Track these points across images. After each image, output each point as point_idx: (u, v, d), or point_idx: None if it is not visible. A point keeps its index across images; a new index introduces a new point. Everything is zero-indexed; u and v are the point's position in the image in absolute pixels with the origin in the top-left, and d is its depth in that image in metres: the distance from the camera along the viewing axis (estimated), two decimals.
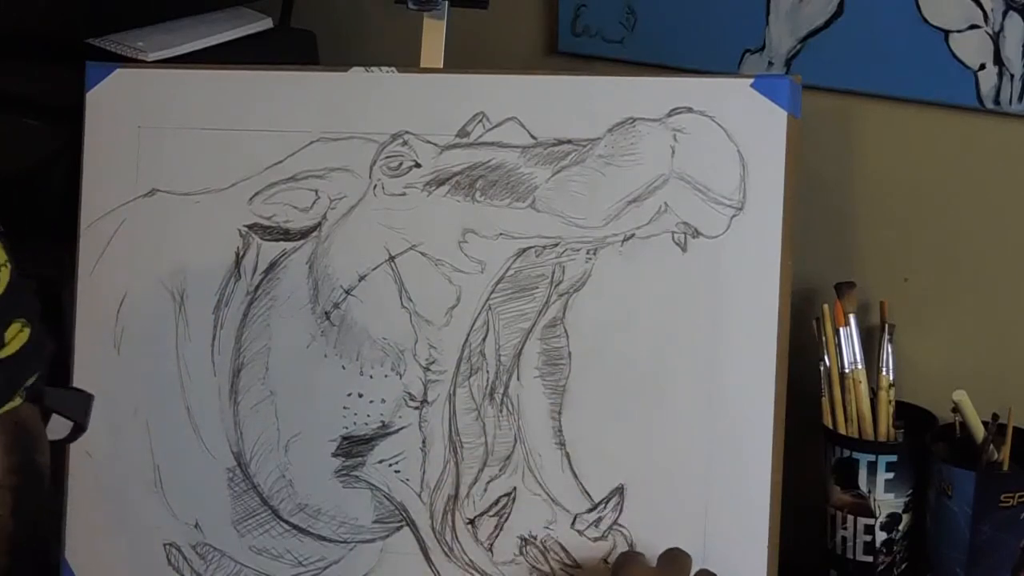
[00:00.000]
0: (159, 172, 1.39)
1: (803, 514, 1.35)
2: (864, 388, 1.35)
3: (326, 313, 1.34)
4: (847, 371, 1.35)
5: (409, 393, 1.33)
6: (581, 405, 1.29)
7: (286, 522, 1.35)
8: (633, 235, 1.29)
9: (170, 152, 1.38)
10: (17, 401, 0.90)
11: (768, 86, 1.27)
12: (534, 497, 1.30)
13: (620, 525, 1.28)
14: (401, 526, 1.33)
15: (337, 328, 1.34)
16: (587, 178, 1.30)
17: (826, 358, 1.36)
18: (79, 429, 0.97)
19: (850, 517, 1.34)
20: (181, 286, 1.38)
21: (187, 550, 1.37)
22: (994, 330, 1.38)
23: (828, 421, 1.36)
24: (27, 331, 0.90)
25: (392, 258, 1.33)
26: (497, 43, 1.59)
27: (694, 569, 1.20)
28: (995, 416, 1.29)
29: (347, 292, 1.34)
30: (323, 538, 1.34)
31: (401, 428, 1.33)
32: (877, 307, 1.39)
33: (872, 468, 1.32)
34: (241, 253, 1.36)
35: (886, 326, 1.36)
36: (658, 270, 1.28)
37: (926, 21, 1.34)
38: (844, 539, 1.35)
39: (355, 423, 1.34)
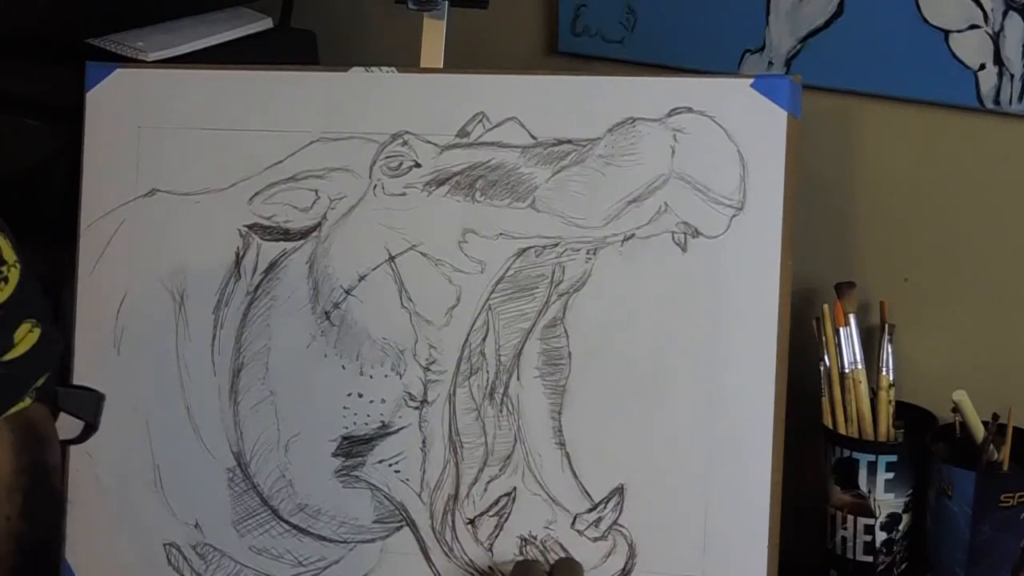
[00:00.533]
0: (159, 172, 1.39)
1: (803, 514, 1.35)
2: (864, 388, 1.35)
3: (326, 313, 1.34)
4: (847, 371, 1.35)
5: (409, 393, 1.33)
6: (581, 405, 1.29)
7: (286, 522, 1.35)
8: (633, 235, 1.29)
9: (170, 152, 1.38)
10: (27, 402, 0.90)
11: (768, 86, 1.27)
12: (534, 497, 1.30)
13: (620, 525, 1.28)
14: (401, 526, 1.33)
15: (337, 328, 1.34)
16: (587, 178, 1.30)
17: (826, 358, 1.36)
18: (90, 429, 0.97)
19: (850, 517, 1.34)
20: (181, 286, 1.38)
21: (187, 550, 1.37)
22: (994, 330, 1.38)
23: (828, 421, 1.36)
24: (37, 331, 0.90)
25: (392, 258, 1.33)
26: (497, 43, 1.59)
27: None
28: (995, 416, 1.29)
29: (347, 292, 1.34)
30: (323, 538, 1.34)
31: (401, 428, 1.33)
32: (877, 307, 1.39)
33: (872, 468, 1.32)
34: (241, 253, 1.36)
35: (886, 326, 1.36)
36: (658, 270, 1.28)
37: (926, 21, 1.34)
38: (844, 539, 1.35)
39: (355, 423, 1.34)
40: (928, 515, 1.33)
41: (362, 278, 1.34)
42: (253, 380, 1.36)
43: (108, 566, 1.38)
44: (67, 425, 0.96)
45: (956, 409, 1.31)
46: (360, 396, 1.33)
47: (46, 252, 1.36)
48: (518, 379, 1.31)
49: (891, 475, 1.32)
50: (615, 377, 1.29)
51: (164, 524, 1.37)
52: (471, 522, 1.32)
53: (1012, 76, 1.30)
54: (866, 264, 1.42)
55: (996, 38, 1.30)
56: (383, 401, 1.33)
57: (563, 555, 1.29)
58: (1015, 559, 1.29)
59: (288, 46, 1.58)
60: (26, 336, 0.90)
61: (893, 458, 1.32)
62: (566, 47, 1.56)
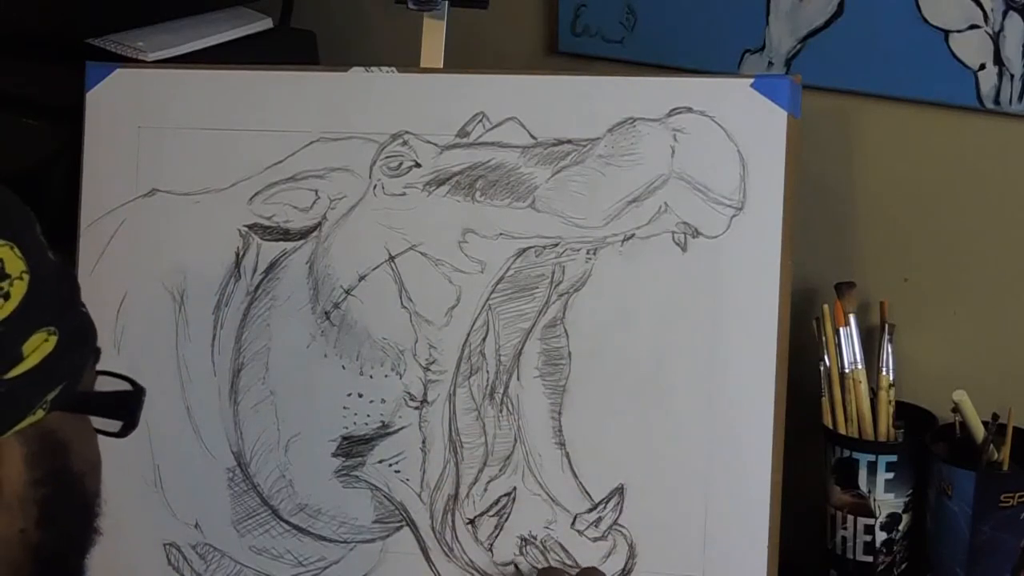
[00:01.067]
0: (159, 172, 1.39)
1: (803, 514, 1.35)
2: (864, 388, 1.35)
3: (326, 313, 1.34)
4: (847, 371, 1.35)
5: (409, 393, 1.33)
6: (581, 405, 1.29)
7: (286, 522, 1.35)
8: (633, 235, 1.29)
9: (170, 152, 1.38)
10: (39, 415, 0.87)
11: (768, 86, 1.27)
12: (534, 497, 1.30)
13: (620, 525, 1.28)
14: (401, 526, 1.33)
15: (337, 328, 1.34)
16: (587, 178, 1.30)
17: (826, 358, 1.36)
18: (130, 426, 0.95)
19: (850, 517, 1.34)
20: (181, 286, 1.38)
21: (187, 550, 1.37)
22: (994, 330, 1.38)
23: (828, 421, 1.36)
24: (53, 340, 0.87)
25: (392, 258, 1.33)
26: (497, 43, 1.59)
27: None
28: (995, 416, 1.29)
29: (347, 292, 1.34)
30: (323, 538, 1.34)
31: (401, 428, 1.33)
32: (877, 307, 1.39)
33: (872, 468, 1.32)
34: (241, 253, 1.36)
35: (886, 326, 1.36)
36: (658, 270, 1.28)
37: (926, 21, 1.34)
38: (844, 539, 1.35)
39: (355, 423, 1.34)
40: (928, 515, 1.33)
41: (362, 278, 1.34)
42: (253, 380, 1.36)
43: (108, 566, 1.38)
44: (104, 421, 0.94)
45: (956, 409, 1.31)
46: (360, 396, 1.33)
47: None
48: (518, 379, 1.31)
49: (891, 475, 1.32)
50: (615, 377, 1.29)
51: (164, 524, 1.37)
52: (471, 522, 1.32)
53: (1012, 76, 1.30)
54: (866, 264, 1.42)
55: (996, 38, 1.30)
56: (383, 401, 1.33)
57: (563, 555, 1.29)
58: (1015, 559, 1.29)
59: (288, 46, 1.58)
60: (39, 347, 0.86)
61: (893, 458, 1.32)
62: (566, 47, 1.56)
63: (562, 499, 1.30)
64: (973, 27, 1.31)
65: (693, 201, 1.27)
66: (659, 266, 1.28)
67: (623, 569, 1.28)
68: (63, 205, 1.39)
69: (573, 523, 1.29)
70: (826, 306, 1.36)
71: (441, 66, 1.40)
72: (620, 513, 1.28)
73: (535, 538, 1.30)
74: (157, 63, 1.44)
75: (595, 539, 1.29)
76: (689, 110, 1.28)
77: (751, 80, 1.28)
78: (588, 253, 1.29)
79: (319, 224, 1.35)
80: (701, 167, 1.27)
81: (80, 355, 0.90)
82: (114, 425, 0.94)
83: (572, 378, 1.30)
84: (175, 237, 1.38)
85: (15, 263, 0.85)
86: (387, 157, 1.34)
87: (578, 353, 1.30)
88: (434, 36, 1.40)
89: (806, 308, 1.39)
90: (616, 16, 1.51)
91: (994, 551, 1.28)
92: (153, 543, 1.38)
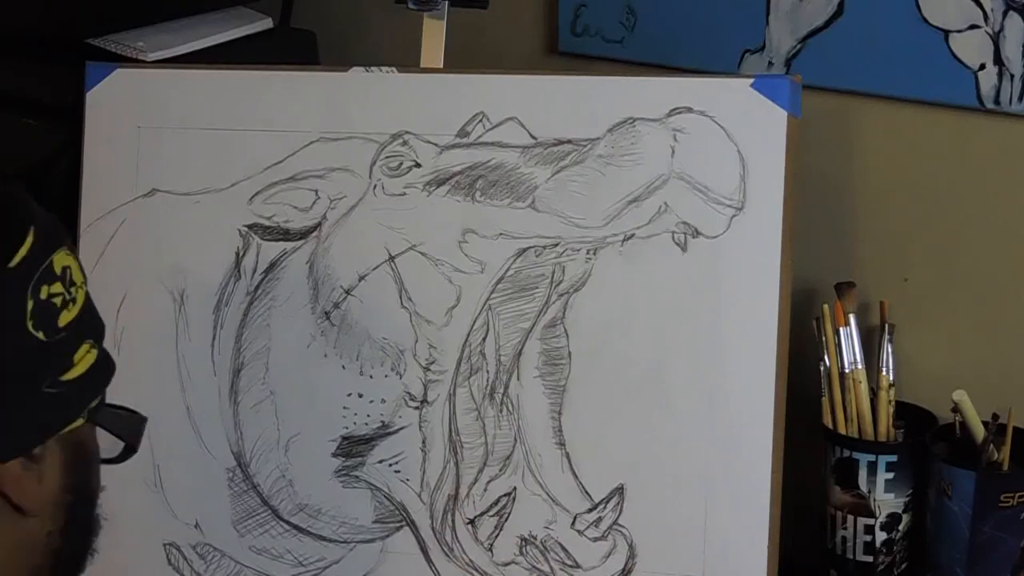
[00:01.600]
0: (159, 172, 1.39)
1: (803, 514, 1.35)
2: (864, 388, 1.35)
3: (326, 313, 1.34)
4: (847, 371, 1.35)
5: (409, 393, 1.33)
6: (581, 405, 1.29)
7: (286, 522, 1.35)
8: (633, 235, 1.29)
9: (170, 152, 1.38)
10: (79, 422, 0.90)
11: (768, 86, 1.27)
12: (534, 497, 1.30)
13: (620, 525, 1.28)
14: (401, 526, 1.33)
15: (337, 328, 1.34)
16: (587, 178, 1.30)
17: (826, 358, 1.36)
18: (130, 451, 0.96)
19: (850, 517, 1.34)
20: (181, 286, 1.38)
21: (187, 550, 1.37)
22: (994, 330, 1.38)
23: (828, 421, 1.36)
24: (94, 353, 0.90)
25: (392, 258, 1.33)
26: (497, 43, 1.59)
27: None
28: (995, 416, 1.29)
29: (347, 292, 1.34)
30: (323, 538, 1.34)
31: (401, 428, 1.33)
32: (877, 307, 1.39)
33: (872, 468, 1.32)
34: (241, 253, 1.36)
35: (886, 326, 1.36)
36: (658, 270, 1.28)
37: (926, 21, 1.34)
38: (844, 539, 1.35)
39: (355, 423, 1.34)
40: (928, 515, 1.33)
41: (362, 278, 1.34)
42: (253, 380, 1.36)
43: (108, 566, 1.38)
44: (106, 445, 0.96)
45: (956, 409, 1.31)
46: (360, 396, 1.33)
47: None
48: (518, 379, 1.31)
49: (891, 475, 1.32)
50: (615, 377, 1.29)
51: (164, 524, 1.37)
52: (471, 522, 1.32)
53: (1012, 76, 1.30)
54: (866, 264, 1.42)
55: (996, 38, 1.30)
56: (383, 401, 1.33)
57: (563, 555, 1.29)
58: (1015, 559, 1.29)
59: (288, 46, 1.58)
60: (84, 357, 0.89)
61: (893, 458, 1.32)
62: (566, 47, 1.56)
63: (562, 499, 1.30)
64: (973, 27, 1.31)
65: (693, 201, 1.27)
66: (659, 266, 1.28)
67: (623, 569, 1.28)
68: (63, 205, 1.39)
69: (573, 523, 1.29)
70: (826, 306, 1.36)
71: (441, 66, 1.40)
72: (620, 513, 1.28)
73: (535, 538, 1.30)
74: (157, 63, 1.44)
75: (595, 539, 1.29)
76: (689, 110, 1.28)
77: (751, 80, 1.28)
78: (588, 253, 1.30)
79: (319, 224, 1.35)
80: (701, 167, 1.27)
81: (109, 371, 0.93)
82: (116, 447, 0.96)
83: (572, 378, 1.30)
84: (175, 237, 1.38)
85: (78, 273, 0.89)
86: (387, 157, 1.34)
87: (578, 353, 1.30)
88: (434, 36, 1.40)
89: (806, 308, 1.39)
90: (616, 16, 1.51)
91: (994, 551, 1.28)
92: (153, 543, 1.38)
